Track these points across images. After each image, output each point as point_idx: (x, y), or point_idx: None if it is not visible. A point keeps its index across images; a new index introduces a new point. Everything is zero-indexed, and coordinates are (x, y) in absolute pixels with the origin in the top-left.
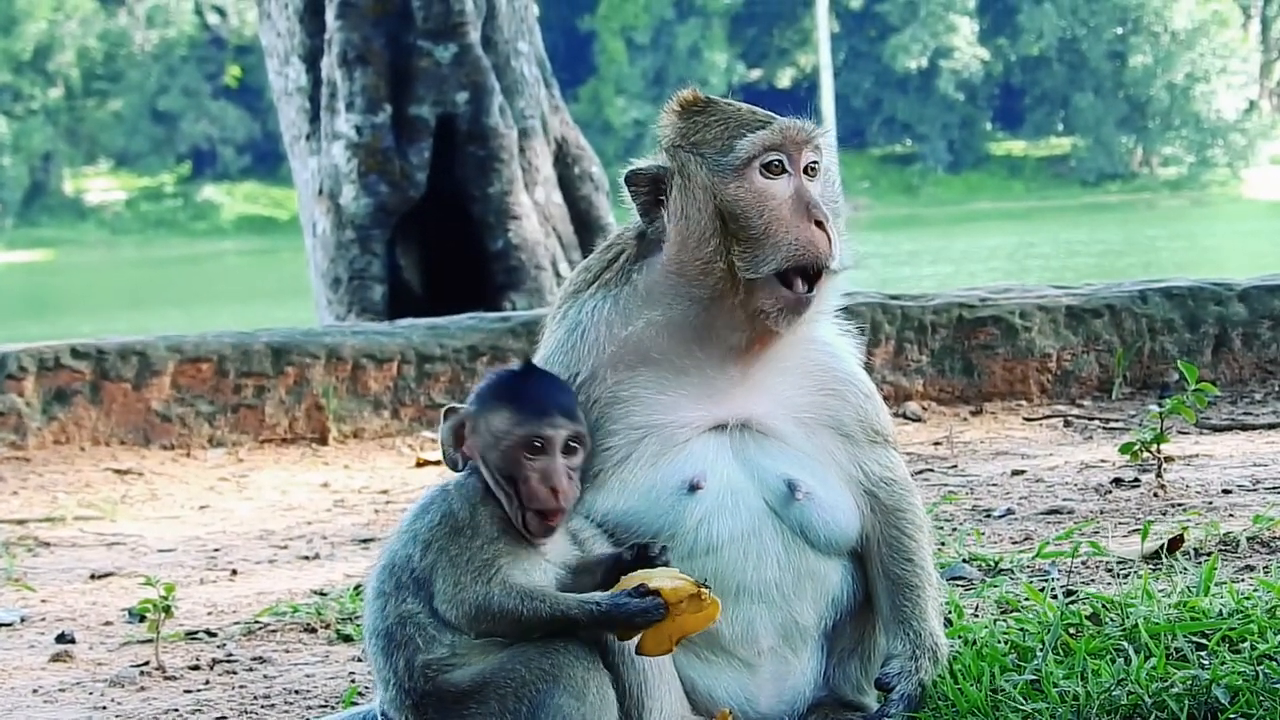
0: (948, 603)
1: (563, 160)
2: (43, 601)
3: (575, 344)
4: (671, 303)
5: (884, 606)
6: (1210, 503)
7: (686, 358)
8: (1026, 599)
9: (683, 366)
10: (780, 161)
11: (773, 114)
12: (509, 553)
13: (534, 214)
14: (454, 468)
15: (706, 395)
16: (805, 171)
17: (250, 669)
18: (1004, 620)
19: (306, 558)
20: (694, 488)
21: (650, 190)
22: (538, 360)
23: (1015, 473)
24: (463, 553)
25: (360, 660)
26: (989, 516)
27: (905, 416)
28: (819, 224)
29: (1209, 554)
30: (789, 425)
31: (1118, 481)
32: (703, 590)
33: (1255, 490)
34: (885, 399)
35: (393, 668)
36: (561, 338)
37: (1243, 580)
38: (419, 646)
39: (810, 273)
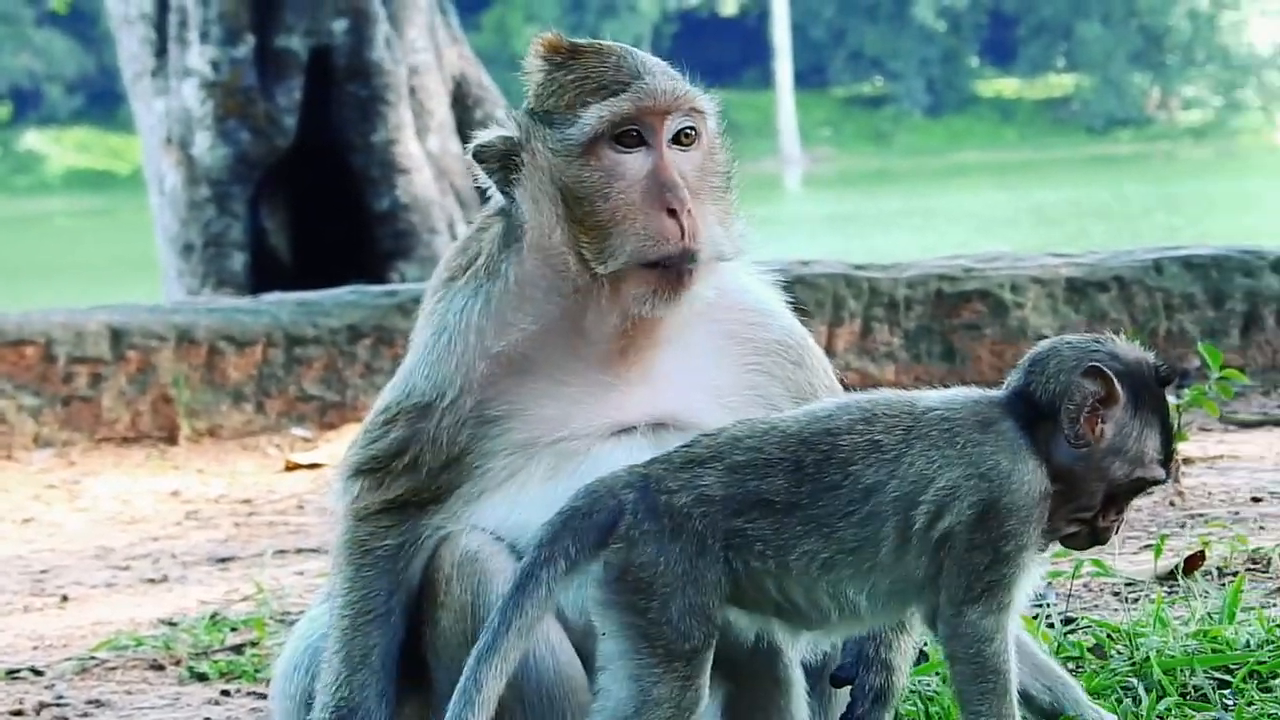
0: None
1: (461, 102)
2: None
3: (442, 355)
4: (545, 299)
5: None
6: (1236, 513)
7: (570, 360)
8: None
9: (564, 372)
10: (637, 132)
11: (640, 70)
12: None
13: (427, 167)
14: (1076, 443)
15: (599, 399)
16: (678, 141)
17: (85, 714)
18: None
19: (152, 581)
20: None
21: (502, 166)
22: (404, 364)
23: None
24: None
25: (218, 703)
26: None
27: None
28: (672, 212)
29: (1235, 574)
30: (714, 415)
31: None
32: None
33: None
34: (849, 390)
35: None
36: (428, 342)
37: (1274, 605)
38: None
39: (668, 266)
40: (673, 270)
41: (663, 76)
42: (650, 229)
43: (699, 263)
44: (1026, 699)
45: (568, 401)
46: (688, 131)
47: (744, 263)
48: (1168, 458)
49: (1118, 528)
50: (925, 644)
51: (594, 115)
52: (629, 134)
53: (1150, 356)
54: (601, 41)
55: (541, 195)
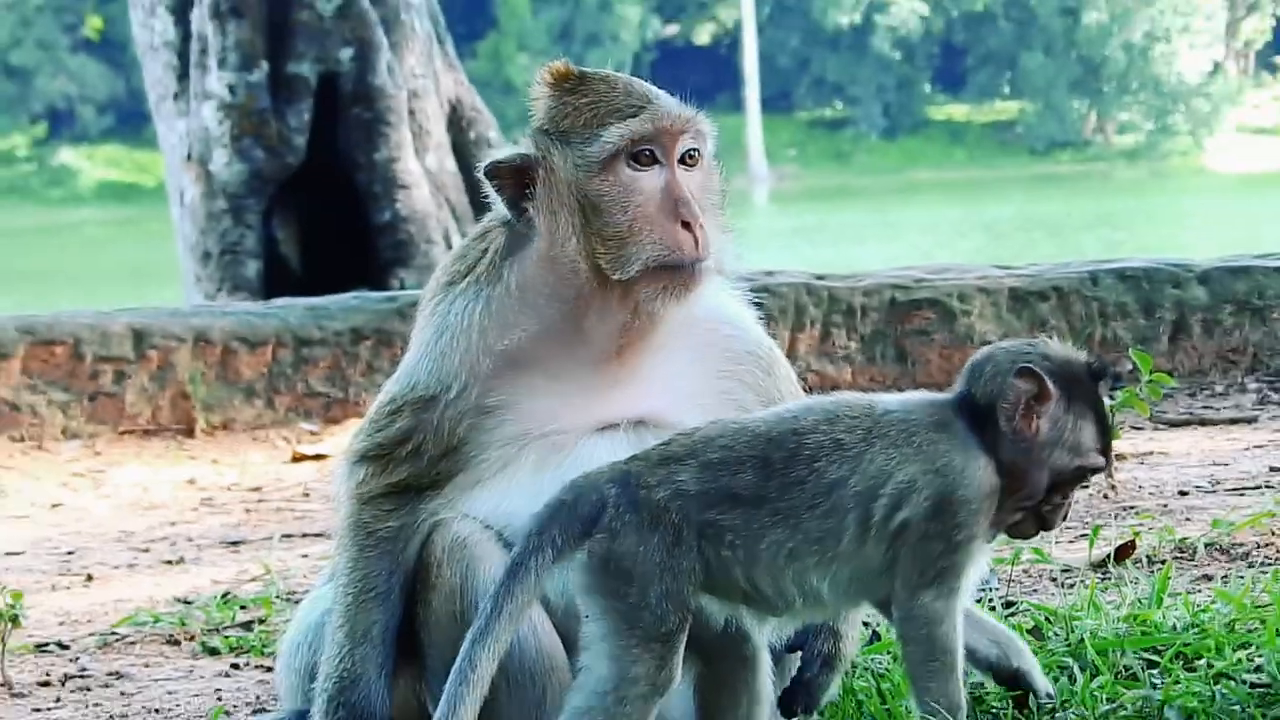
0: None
1: (457, 124)
2: None
3: (445, 352)
4: (546, 303)
5: None
6: (1165, 505)
7: (566, 360)
8: None
9: (558, 370)
10: (651, 152)
11: (649, 95)
12: None
13: (425, 183)
14: (1015, 439)
15: (587, 397)
16: (683, 161)
17: (106, 685)
18: None
19: (170, 562)
20: None
21: (515, 182)
22: (405, 361)
23: None
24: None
25: (228, 676)
26: None
27: None
28: (685, 224)
29: (1162, 562)
30: (690, 417)
31: None
32: None
33: (1214, 492)
34: (809, 391)
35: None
36: (430, 340)
37: (1199, 591)
38: None
39: (680, 266)
40: (684, 269)
41: (673, 101)
42: (667, 240)
43: (707, 268)
44: (972, 653)
45: (559, 398)
46: (692, 152)
47: (720, 280)
48: (1106, 446)
49: (1064, 514)
50: (878, 624)
51: (615, 134)
52: (644, 153)
53: (1082, 354)
54: (603, 70)
55: (560, 208)
